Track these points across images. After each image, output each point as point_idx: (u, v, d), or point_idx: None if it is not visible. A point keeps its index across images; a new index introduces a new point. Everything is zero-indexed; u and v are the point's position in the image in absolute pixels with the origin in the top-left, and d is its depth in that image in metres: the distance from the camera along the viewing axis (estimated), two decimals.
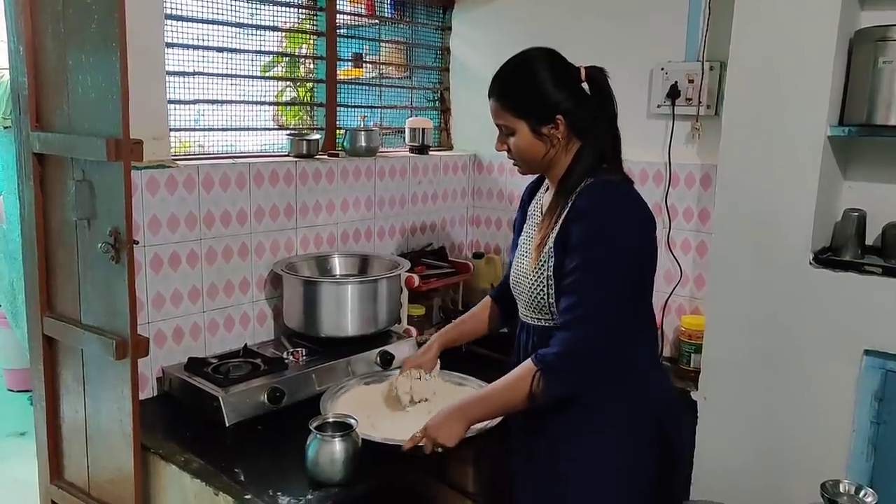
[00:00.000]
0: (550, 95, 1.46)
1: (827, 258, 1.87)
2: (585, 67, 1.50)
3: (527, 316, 1.58)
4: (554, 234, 1.46)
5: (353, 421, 1.62)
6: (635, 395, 1.48)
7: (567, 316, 1.40)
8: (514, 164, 1.58)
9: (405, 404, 1.84)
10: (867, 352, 1.81)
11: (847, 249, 1.88)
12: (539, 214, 1.59)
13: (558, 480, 1.49)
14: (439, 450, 1.53)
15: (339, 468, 1.55)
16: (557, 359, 1.39)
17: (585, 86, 1.50)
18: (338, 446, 1.55)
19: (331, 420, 1.64)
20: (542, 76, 1.47)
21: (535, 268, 1.50)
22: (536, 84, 1.47)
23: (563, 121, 1.47)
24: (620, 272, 1.39)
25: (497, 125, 1.54)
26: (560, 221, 1.46)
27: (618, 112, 1.51)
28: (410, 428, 1.75)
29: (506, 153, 1.56)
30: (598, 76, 1.50)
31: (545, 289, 1.48)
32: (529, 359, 1.43)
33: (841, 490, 1.67)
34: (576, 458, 1.47)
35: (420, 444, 1.54)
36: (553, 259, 1.46)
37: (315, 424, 1.59)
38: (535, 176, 1.67)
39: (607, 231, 1.40)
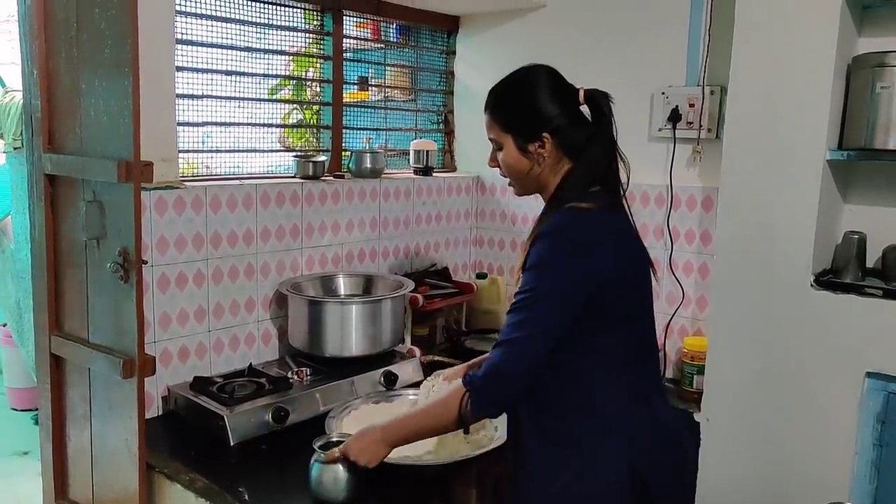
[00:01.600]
0: (539, 113, 1.43)
1: (828, 280, 1.89)
2: (585, 89, 1.46)
3: None
4: (524, 258, 1.42)
5: None
6: (604, 438, 1.39)
7: (501, 338, 1.36)
8: (509, 185, 1.55)
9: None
10: (869, 374, 1.81)
11: (848, 272, 1.90)
12: None
13: None
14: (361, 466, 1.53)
15: (342, 487, 1.54)
16: (483, 380, 1.36)
17: (585, 109, 1.47)
18: (341, 466, 1.55)
19: (334, 439, 1.64)
20: (535, 93, 1.44)
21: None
22: (527, 100, 1.44)
23: (549, 139, 1.42)
24: (562, 301, 1.33)
25: (489, 139, 1.51)
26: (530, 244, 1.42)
27: (616, 137, 1.46)
28: (414, 448, 1.76)
29: (499, 171, 1.53)
30: (597, 99, 1.45)
31: None
32: (460, 380, 1.41)
33: None
34: (544, 496, 1.41)
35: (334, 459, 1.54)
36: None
37: (319, 444, 1.60)
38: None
39: (552, 259, 1.34)
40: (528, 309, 1.34)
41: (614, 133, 1.46)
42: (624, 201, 1.48)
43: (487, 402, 1.39)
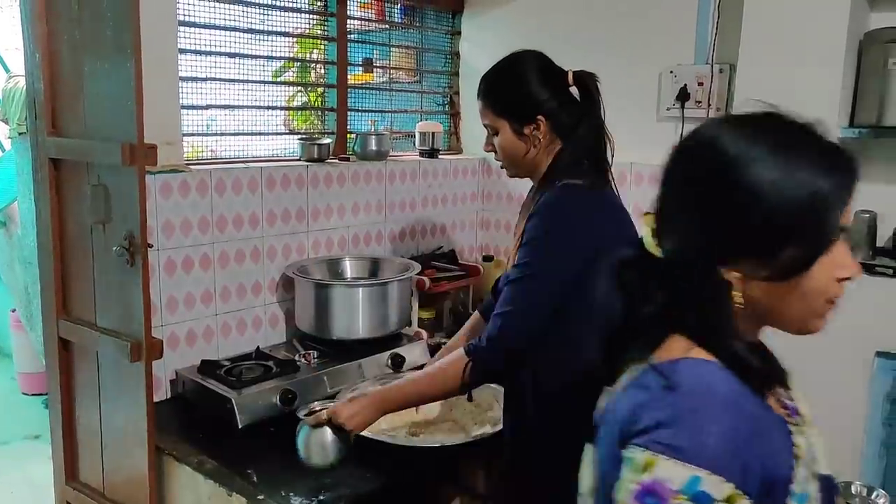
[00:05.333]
0: (532, 95, 1.47)
1: None
2: (574, 71, 1.50)
3: None
4: (521, 235, 1.46)
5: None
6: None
7: (497, 309, 1.42)
8: (502, 167, 1.59)
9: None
10: (879, 353, 1.80)
11: (858, 251, 1.88)
12: None
13: (528, 493, 1.48)
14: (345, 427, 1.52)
15: (331, 452, 1.53)
16: (485, 350, 1.42)
17: (575, 90, 1.50)
18: (329, 430, 1.53)
19: (317, 408, 1.63)
20: (526, 77, 1.48)
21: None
22: (519, 84, 1.49)
23: (544, 121, 1.47)
24: (553, 275, 1.39)
25: (484, 125, 1.56)
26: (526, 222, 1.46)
27: (604, 115, 1.49)
28: (422, 431, 1.76)
29: (494, 155, 1.57)
30: (585, 80, 1.49)
31: None
32: (462, 348, 1.46)
33: (853, 492, 1.66)
34: (545, 472, 1.44)
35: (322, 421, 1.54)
36: None
37: (304, 412, 1.59)
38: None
39: (545, 234, 1.40)
40: (522, 282, 1.40)
41: (602, 113, 1.50)
42: (610, 177, 1.52)
43: (489, 370, 1.45)
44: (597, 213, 1.43)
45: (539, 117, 1.47)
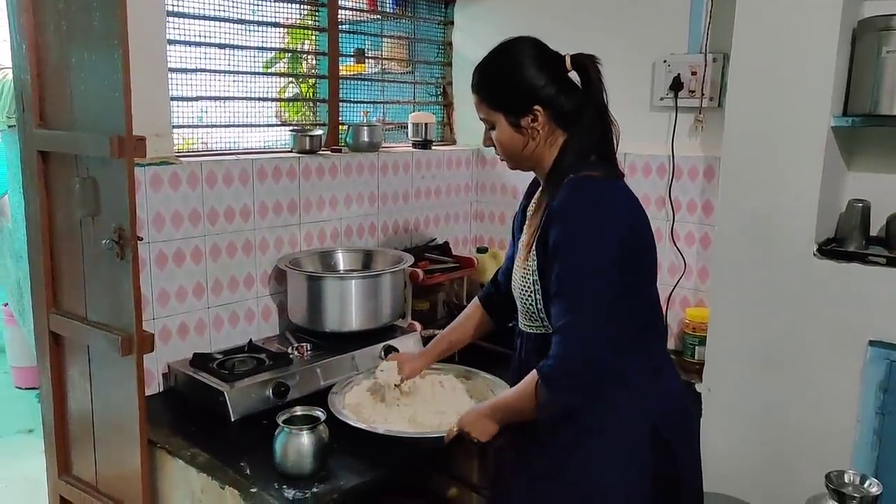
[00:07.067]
0: (526, 85, 1.39)
1: (831, 249, 1.87)
2: (571, 55, 1.42)
3: (522, 322, 1.51)
4: (537, 235, 1.39)
5: (320, 414, 1.64)
6: (627, 406, 1.38)
7: (558, 324, 1.34)
8: (502, 160, 1.53)
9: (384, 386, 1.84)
10: (872, 342, 1.80)
11: (851, 240, 1.88)
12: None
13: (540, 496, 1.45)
14: (475, 441, 1.51)
15: (307, 461, 1.56)
16: (554, 371, 1.34)
17: (574, 75, 1.43)
18: (305, 439, 1.56)
19: (299, 413, 1.65)
20: (519, 65, 1.40)
21: (524, 272, 1.43)
22: (513, 74, 1.41)
23: (541, 112, 1.40)
24: (601, 276, 1.32)
25: (480, 119, 1.49)
26: (542, 221, 1.39)
27: (607, 100, 1.42)
28: (416, 422, 1.76)
29: (494, 150, 1.51)
30: (584, 63, 1.40)
31: (532, 293, 1.41)
32: (535, 370, 1.37)
33: (846, 480, 1.67)
34: (562, 472, 1.41)
35: (455, 436, 1.54)
36: (536, 261, 1.39)
37: (283, 418, 1.61)
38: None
39: (581, 233, 1.33)
40: (572, 291, 1.33)
41: (605, 97, 1.42)
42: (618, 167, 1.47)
43: (561, 392, 1.35)
44: (617, 205, 1.38)
45: (536, 108, 1.39)
